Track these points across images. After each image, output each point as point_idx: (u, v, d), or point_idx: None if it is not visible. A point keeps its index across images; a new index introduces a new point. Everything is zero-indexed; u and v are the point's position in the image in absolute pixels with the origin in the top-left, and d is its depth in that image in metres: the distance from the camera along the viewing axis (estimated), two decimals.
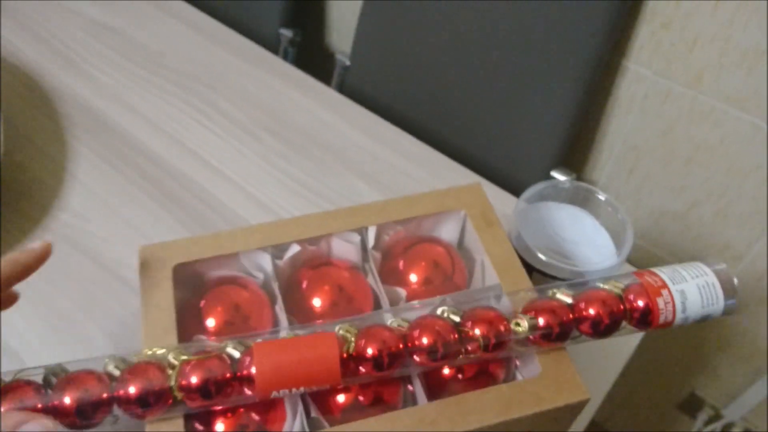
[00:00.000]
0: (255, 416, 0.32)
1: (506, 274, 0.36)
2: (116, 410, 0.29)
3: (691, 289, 0.32)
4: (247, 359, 0.30)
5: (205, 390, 0.29)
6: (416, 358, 0.31)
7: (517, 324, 0.31)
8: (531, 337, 0.32)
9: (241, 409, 0.32)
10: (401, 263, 0.39)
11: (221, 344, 0.31)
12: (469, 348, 0.31)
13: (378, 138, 0.60)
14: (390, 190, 0.56)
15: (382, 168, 0.58)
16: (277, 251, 0.37)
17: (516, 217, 0.43)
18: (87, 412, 0.28)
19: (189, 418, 0.31)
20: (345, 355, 0.30)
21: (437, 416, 0.31)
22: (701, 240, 0.75)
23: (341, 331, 0.31)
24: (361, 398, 0.33)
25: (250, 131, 0.60)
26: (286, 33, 0.84)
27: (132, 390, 0.29)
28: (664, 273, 0.33)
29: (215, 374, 0.29)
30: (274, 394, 0.30)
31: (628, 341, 0.49)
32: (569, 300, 0.32)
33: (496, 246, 0.38)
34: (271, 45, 0.76)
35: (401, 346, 0.31)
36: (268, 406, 0.32)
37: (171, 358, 0.30)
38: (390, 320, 0.32)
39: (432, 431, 0.30)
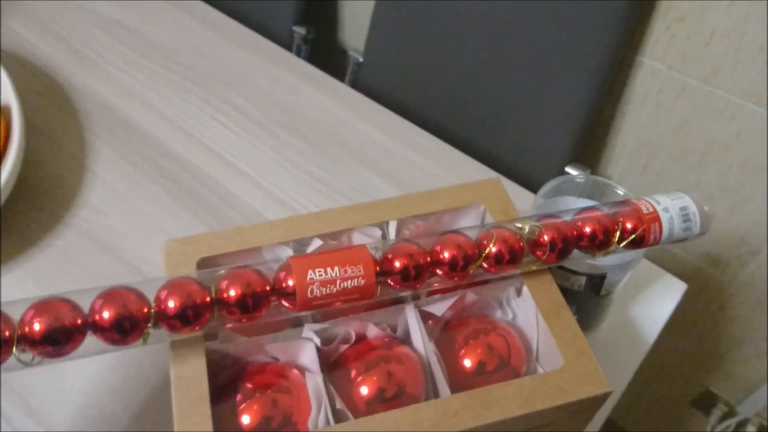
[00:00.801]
0: (280, 408, 0.32)
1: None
2: (153, 327, 0.29)
3: (661, 198, 0.37)
4: (282, 273, 0.31)
5: (243, 303, 0.29)
6: (439, 271, 0.33)
7: (520, 228, 0.34)
8: (539, 252, 0.34)
9: (267, 399, 0.32)
10: None
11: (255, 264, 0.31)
12: (485, 265, 0.33)
13: (393, 134, 0.61)
14: (406, 185, 0.56)
15: (397, 164, 0.58)
16: (299, 246, 0.38)
17: (534, 212, 0.43)
18: (126, 327, 0.28)
19: (216, 411, 0.31)
20: (377, 269, 0.32)
21: (461, 408, 0.31)
22: (716, 236, 0.75)
23: (371, 249, 0.33)
24: (384, 390, 0.33)
25: (266, 127, 0.60)
26: (299, 30, 0.85)
27: (171, 304, 0.29)
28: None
29: (254, 287, 0.30)
30: (311, 293, 0.30)
31: (644, 337, 0.49)
32: (569, 216, 0.36)
33: None
34: (284, 42, 0.76)
35: (428, 259, 0.33)
36: (293, 398, 0.33)
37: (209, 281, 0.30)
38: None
39: (455, 423, 0.31)
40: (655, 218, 0.35)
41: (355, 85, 0.84)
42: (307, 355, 0.34)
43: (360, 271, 0.31)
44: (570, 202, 0.46)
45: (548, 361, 0.35)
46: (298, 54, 0.86)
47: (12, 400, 0.42)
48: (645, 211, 0.35)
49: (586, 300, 0.44)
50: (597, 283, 0.42)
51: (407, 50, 0.78)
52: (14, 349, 0.27)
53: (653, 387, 0.99)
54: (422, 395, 0.34)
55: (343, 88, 0.65)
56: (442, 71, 0.76)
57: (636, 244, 0.35)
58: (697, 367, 0.91)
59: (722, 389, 0.91)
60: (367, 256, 0.32)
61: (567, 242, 0.34)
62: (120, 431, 0.41)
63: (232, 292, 0.30)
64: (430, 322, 0.36)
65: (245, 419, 0.32)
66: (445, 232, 0.34)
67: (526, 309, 0.36)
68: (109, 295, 0.29)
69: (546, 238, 0.34)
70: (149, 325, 0.29)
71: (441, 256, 0.33)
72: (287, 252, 0.37)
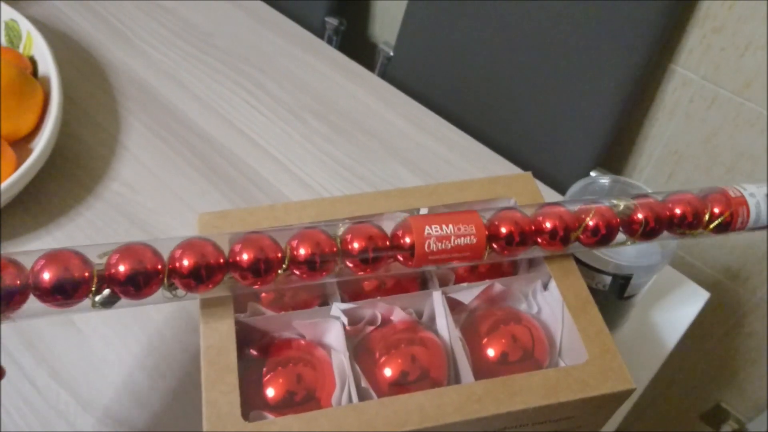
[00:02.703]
0: (304, 384, 0.33)
1: (554, 260, 0.36)
2: (285, 270, 0.32)
3: (747, 185, 0.37)
4: (400, 231, 0.33)
5: (364, 257, 0.32)
6: (539, 239, 0.35)
7: (615, 204, 0.35)
8: (635, 227, 0.35)
9: (291, 374, 0.33)
10: None
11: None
12: (582, 237, 0.35)
13: (422, 126, 0.61)
14: (432, 177, 0.57)
15: (425, 156, 0.58)
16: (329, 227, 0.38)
17: None
18: (261, 270, 0.31)
19: (242, 382, 0.32)
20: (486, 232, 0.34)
21: (484, 395, 0.31)
22: (738, 250, 0.74)
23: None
24: (407, 374, 0.33)
25: (296, 113, 0.61)
26: (331, 21, 0.85)
27: (302, 251, 0.31)
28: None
29: (375, 242, 0.32)
30: (428, 247, 0.32)
31: (663, 344, 0.49)
32: (660, 197, 0.36)
33: None
34: (315, 33, 0.77)
35: (533, 227, 0.34)
36: (318, 375, 0.33)
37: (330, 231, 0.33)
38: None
39: (478, 409, 0.31)
40: (743, 203, 0.36)
41: (383, 78, 0.84)
42: (334, 334, 0.35)
43: (472, 230, 0.33)
44: None
45: (571, 355, 0.35)
46: (329, 45, 0.86)
47: (37, 361, 0.43)
48: (732, 196, 0.36)
49: (609, 301, 0.44)
50: (622, 284, 0.42)
51: (438, 47, 0.78)
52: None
53: (663, 398, 0.98)
54: (445, 381, 0.34)
55: (373, 79, 0.66)
56: (471, 70, 0.76)
57: (723, 228, 0.36)
58: (709, 381, 0.90)
59: (733, 405, 0.90)
60: (477, 218, 0.34)
61: (659, 222, 0.35)
62: (139, 396, 0.41)
63: (356, 245, 0.32)
64: (456, 309, 0.37)
65: (270, 392, 0.33)
66: (544, 204, 0.36)
67: (553, 303, 0.36)
68: (247, 240, 0.31)
69: (640, 216, 0.35)
70: (282, 267, 0.32)
71: (543, 226, 0.34)
72: None
